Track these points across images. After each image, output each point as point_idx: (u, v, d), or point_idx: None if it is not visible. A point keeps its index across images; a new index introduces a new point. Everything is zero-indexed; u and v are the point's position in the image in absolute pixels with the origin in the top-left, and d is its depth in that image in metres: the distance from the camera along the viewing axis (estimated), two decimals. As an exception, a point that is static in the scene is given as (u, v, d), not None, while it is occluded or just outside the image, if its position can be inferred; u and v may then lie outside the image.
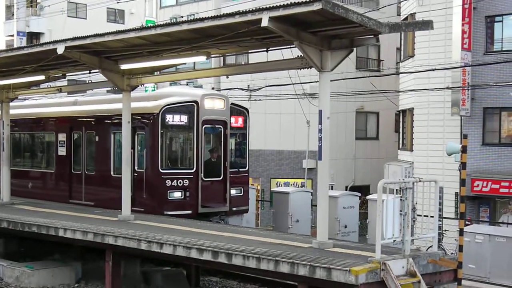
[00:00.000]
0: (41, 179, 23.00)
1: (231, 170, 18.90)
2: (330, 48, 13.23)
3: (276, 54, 15.33)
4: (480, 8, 26.42)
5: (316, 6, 11.44)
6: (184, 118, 18.05)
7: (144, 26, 19.27)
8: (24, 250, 19.29)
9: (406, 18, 30.85)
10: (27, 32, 53.26)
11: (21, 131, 23.79)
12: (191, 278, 17.06)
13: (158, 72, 18.93)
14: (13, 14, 54.60)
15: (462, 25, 26.13)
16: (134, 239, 14.79)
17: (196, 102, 18.14)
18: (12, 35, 54.16)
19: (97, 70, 18.14)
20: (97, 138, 19.75)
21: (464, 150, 12.46)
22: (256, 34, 13.62)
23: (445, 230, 21.75)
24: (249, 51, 17.37)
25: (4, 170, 21.95)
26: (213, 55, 17.62)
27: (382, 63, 38.03)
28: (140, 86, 18.80)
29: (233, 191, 18.91)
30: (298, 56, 13.90)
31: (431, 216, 13.05)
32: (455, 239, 13.16)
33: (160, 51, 16.14)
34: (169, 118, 17.75)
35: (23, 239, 18.85)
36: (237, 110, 19.67)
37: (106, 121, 19.69)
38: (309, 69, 13.99)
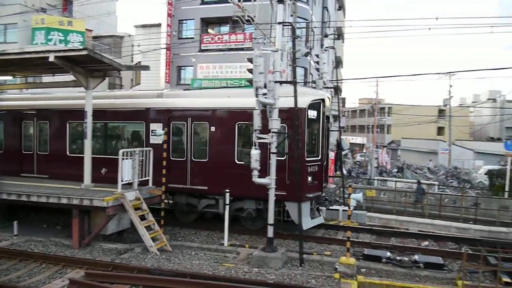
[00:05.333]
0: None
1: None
2: (92, 76, 12.08)
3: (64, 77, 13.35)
4: (175, 62, 26.64)
5: (83, 52, 10.55)
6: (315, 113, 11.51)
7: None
8: None
9: (136, 63, 29.62)
10: None
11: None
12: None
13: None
14: None
15: (166, 70, 26.20)
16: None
17: (323, 100, 11.68)
18: None
19: None
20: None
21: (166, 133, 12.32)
22: (47, 65, 11.76)
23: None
24: (43, 75, 14.86)
25: None
26: (17, 76, 14.93)
27: (123, 86, 36.01)
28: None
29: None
30: (73, 80, 12.42)
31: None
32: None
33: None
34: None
35: None
36: None
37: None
38: (81, 87, 12.54)
